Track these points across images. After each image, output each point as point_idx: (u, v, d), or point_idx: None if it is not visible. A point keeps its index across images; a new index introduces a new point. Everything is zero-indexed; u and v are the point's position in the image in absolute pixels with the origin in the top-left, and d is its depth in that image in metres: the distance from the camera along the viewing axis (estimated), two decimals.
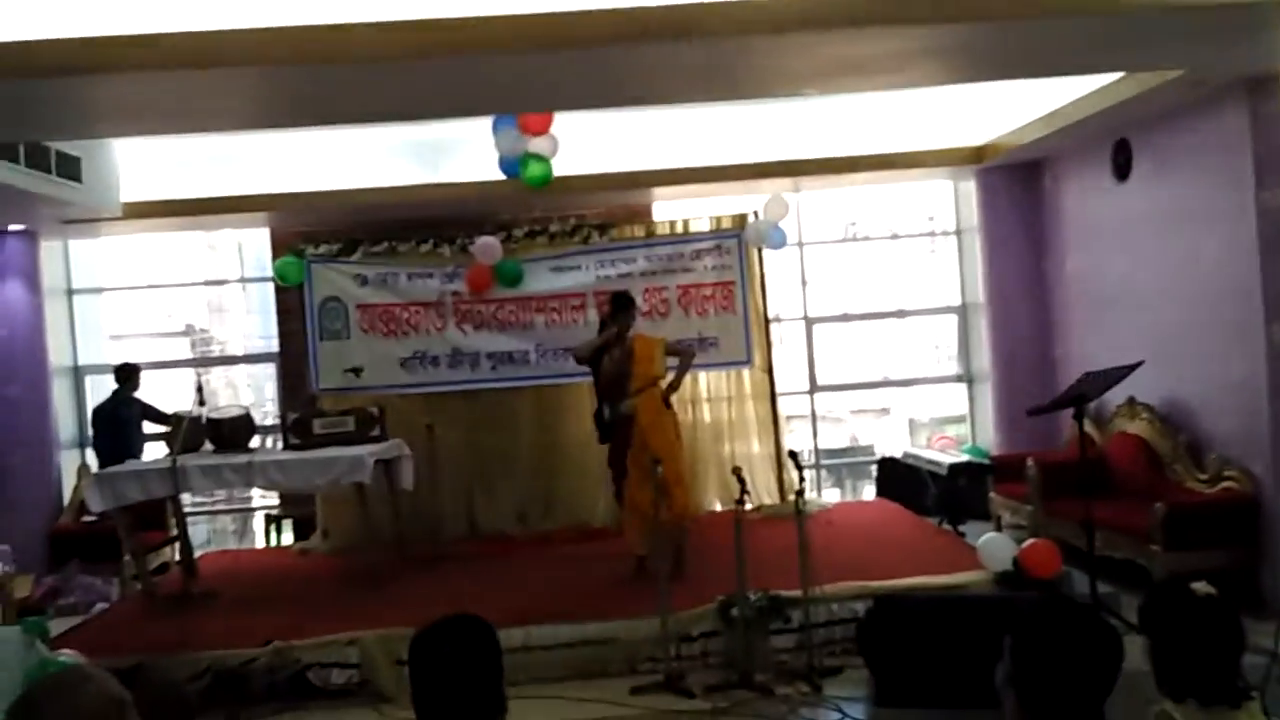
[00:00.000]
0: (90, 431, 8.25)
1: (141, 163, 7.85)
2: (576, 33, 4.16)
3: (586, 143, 7.65)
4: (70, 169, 6.94)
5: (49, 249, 8.45)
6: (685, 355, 6.64)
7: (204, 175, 7.91)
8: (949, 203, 9.27)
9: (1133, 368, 5.77)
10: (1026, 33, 4.49)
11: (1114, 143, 7.07)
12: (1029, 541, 5.70)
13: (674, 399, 6.49)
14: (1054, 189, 8.15)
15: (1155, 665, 2.34)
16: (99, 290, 9.23)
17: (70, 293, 8.88)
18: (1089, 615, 2.06)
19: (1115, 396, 6.72)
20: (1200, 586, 2.37)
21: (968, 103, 7.84)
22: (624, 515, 6.52)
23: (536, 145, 6.96)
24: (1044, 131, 7.05)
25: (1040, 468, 6.91)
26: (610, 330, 6.43)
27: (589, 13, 4.11)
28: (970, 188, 8.72)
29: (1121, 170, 7.07)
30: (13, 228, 7.94)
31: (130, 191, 7.81)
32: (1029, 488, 6.98)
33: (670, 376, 6.51)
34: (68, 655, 4.84)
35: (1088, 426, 5.89)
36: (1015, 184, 8.36)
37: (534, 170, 6.97)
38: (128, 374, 8.03)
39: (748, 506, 5.28)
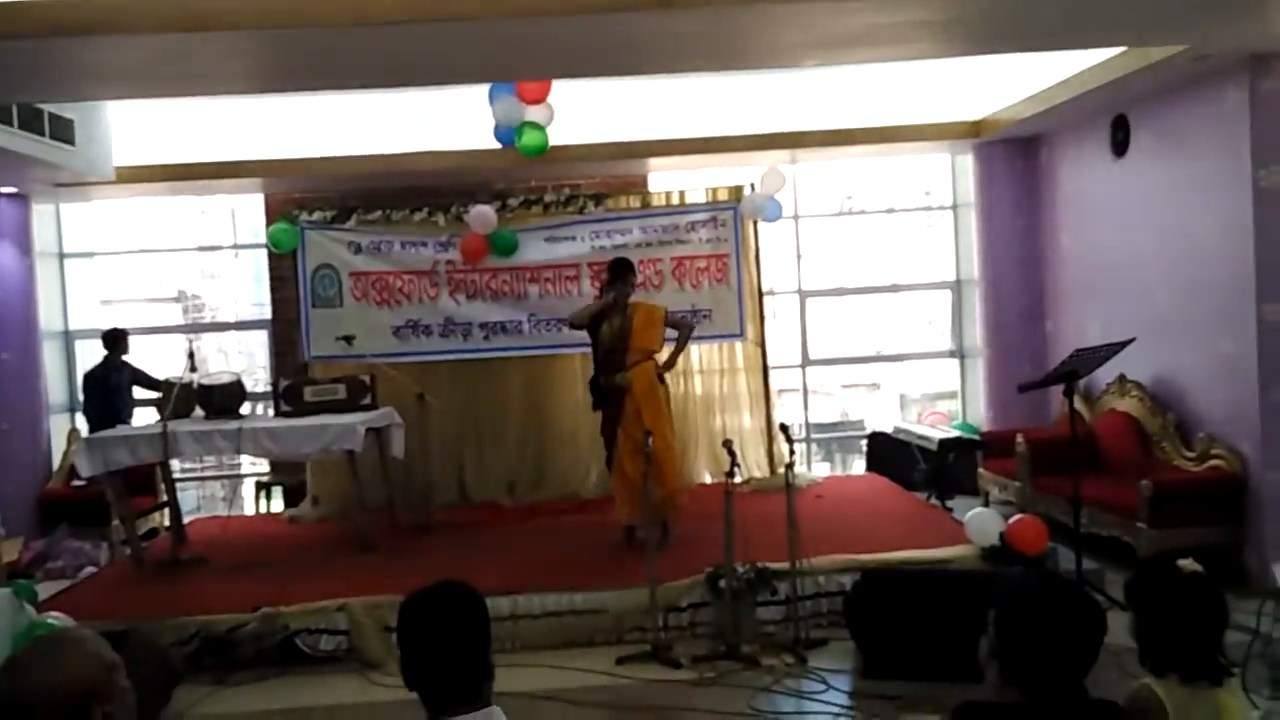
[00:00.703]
0: (80, 396, 8.23)
1: (135, 126, 7.79)
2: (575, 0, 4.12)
3: (583, 112, 7.60)
4: (63, 132, 6.89)
5: (40, 212, 8.40)
6: (684, 329, 6.57)
7: (198, 140, 7.86)
8: (946, 177, 9.24)
9: (1123, 345, 5.78)
10: (1028, 6, 4.46)
11: (1112, 119, 7.04)
12: (1016, 517, 5.73)
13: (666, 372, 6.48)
14: (1051, 164, 8.12)
15: (1139, 640, 2.35)
16: (90, 255, 9.19)
17: (61, 257, 8.84)
18: (1072, 590, 2.07)
19: (1106, 374, 6.74)
20: (1186, 564, 2.38)
21: (966, 76, 7.80)
22: (613, 485, 6.52)
23: (533, 114, 6.91)
24: (1042, 106, 7.02)
25: (1029, 444, 6.93)
26: (607, 297, 6.39)
27: None
28: (967, 162, 8.69)
29: (1119, 146, 7.04)
30: (4, 190, 7.89)
31: (123, 155, 7.76)
32: (1018, 464, 7.00)
33: (668, 350, 6.50)
34: (56, 618, 4.85)
35: (1078, 403, 5.90)
36: (1013, 159, 8.33)
37: (530, 138, 6.94)
38: (115, 338, 8.00)
39: (737, 479, 5.28)
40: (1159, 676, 2.27)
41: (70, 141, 7.00)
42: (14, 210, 8.06)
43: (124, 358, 8.02)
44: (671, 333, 6.52)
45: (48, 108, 6.65)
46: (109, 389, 7.85)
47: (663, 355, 6.47)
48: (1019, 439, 7.02)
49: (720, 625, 5.28)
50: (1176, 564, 2.40)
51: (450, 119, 7.78)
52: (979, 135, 8.08)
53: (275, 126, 7.85)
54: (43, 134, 6.65)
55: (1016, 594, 2.04)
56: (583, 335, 7.24)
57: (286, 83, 6.11)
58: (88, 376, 8.01)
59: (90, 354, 8.53)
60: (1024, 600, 2.02)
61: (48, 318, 8.45)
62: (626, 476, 6.20)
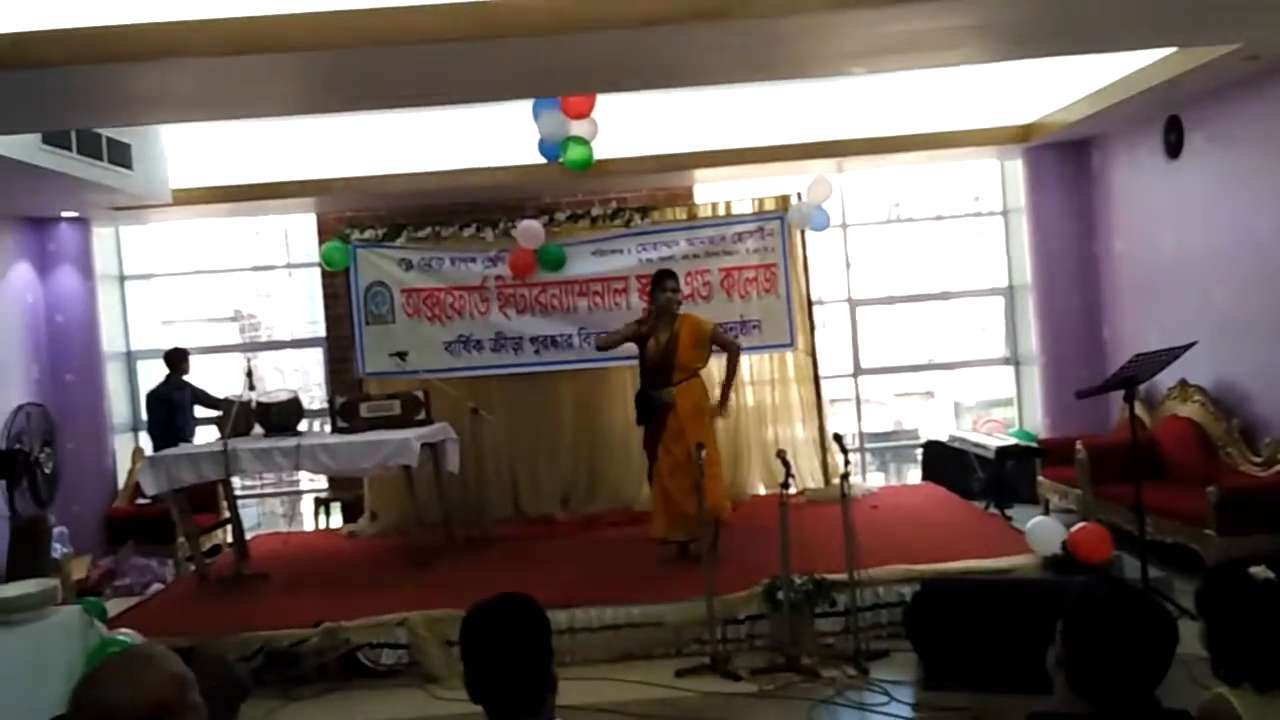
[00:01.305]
0: (143, 415, 8.40)
1: (190, 149, 7.96)
2: (621, 13, 4.14)
3: (627, 125, 7.63)
4: (121, 156, 7.05)
5: (100, 235, 8.60)
6: (733, 351, 6.42)
7: (251, 161, 8.01)
8: (995, 183, 9.15)
9: (1184, 349, 5.66)
10: (1079, 8, 4.41)
11: (1165, 120, 6.94)
12: (1079, 525, 5.63)
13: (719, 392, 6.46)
14: (1103, 167, 8.01)
15: (1211, 649, 2.31)
16: (149, 276, 9.38)
17: (122, 279, 9.05)
18: (1142, 598, 2.04)
19: (1166, 379, 6.61)
20: (1258, 571, 2.34)
21: (1015, 80, 7.73)
22: (651, 499, 6.50)
23: (578, 128, 6.95)
24: (1093, 109, 6.93)
25: (1090, 451, 6.82)
26: (631, 327, 6.43)
27: None
28: (1017, 167, 8.60)
29: (1173, 148, 6.93)
30: (65, 215, 8.09)
31: (179, 178, 7.92)
32: (1078, 471, 6.89)
33: (716, 365, 6.44)
34: (126, 634, 4.95)
35: (1138, 409, 5.80)
36: (1063, 163, 8.22)
37: (575, 154, 6.97)
38: (178, 359, 8.17)
39: (792, 490, 5.25)
40: (1233, 686, 2.23)
41: (128, 165, 7.16)
42: (75, 234, 8.27)
43: (185, 377, 8.18)
44: (720, 351, 6.48)
45: (105, 132, 6.81)
46: (172, 408, 8.01)
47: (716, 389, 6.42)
48: (1079, 446, 6.91)
49: (779, 637, 5.25)
50: (1248, 571, 2.36)
51: (496, 135, 7.85)
52: (1028, 139, 7.99)
53: (325, 146, 7.98)
54: (101, 158, 6.81)
55: (1085, 602, 2.01)
56: (633, 348, 7.26)
57: (334, 103, 6.20)
58: (151, 396, 8.18)
59: (152, 374, 8.71)
60: (1093, 609, 1.99)
61: (110, 339, 8.65)
62: (666, 492, 6.19)
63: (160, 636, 4.95)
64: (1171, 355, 5.69)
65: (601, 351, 6.79)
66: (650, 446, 6.37)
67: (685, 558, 6.19)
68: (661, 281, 6.30)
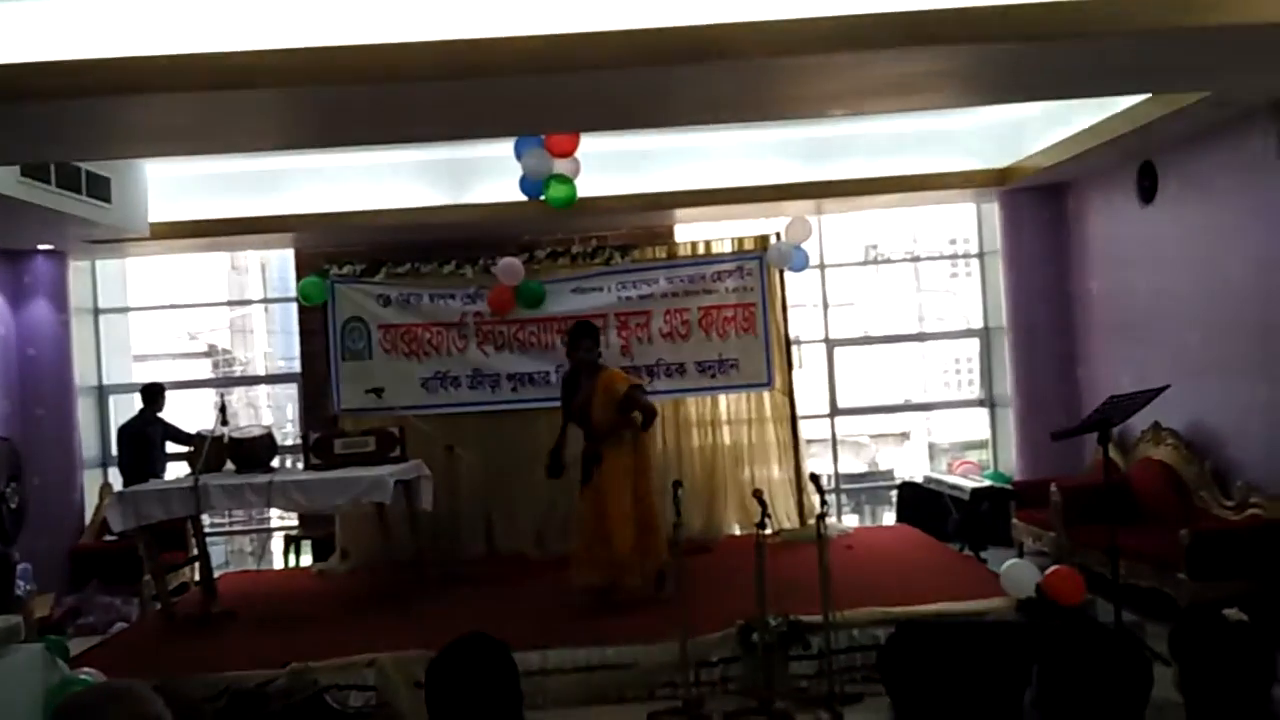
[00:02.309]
0: (114, 450, 8.29)
1: (168, 183, 7.93)
2: (603, 54, 4.16)
3: (608, 164, 7.67)
4: (100, 189, 7.02)
5: (76, 269, 8.53)
6: (643, 410, 6.30)
7: (229, 196, 7.98)
8: (972, 225, 9.23)
9: (1157, 392, 5.70)
10: (1054, 54, 4.47)
11: (1139, 165, 7.03)
12: (1052, 568, 5.63)
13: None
14: (1078, 211, 8.10)
15: (1185, 694, 2.29)
16: (124, 310, 9.31)
17: (96, 312, 8.97)
18: (1118, 641, 2.03)
19: (1140, 422, 6.65)
20: (1232, 613, 2.33)
21: (991, 125, 7.83)
22: (572, 549, 6.54)
23: (561, 166, 6.98)
24: (1068, 154, 7.02)
25: (1064, 493, 6.84)
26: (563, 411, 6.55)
27: (615, 33, 4.11)
28: (993, 210, 8.69)
29: (1146, 193, 7.02)
30: (42, 247, 8.03)
31: (157, 212, 7.88)
32: (1052, 513, 6.90)
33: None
34: (88, 674, 4.85)
35: (1112, 452, 5.82)
36: (1039, 206, 8.32)
37: (558, 191, 6.99)
38: (154, 393, 8.08)
39: (768, 530, 5.23)
40: None
41: (107, 199, 7.12)
42: (50, 267, 8.20)
43: (159, 413, 8.09)
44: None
45: (85, 166, 6.78)
46: (144, 443, 7.92)
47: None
48: (1053, 488, 6.92)
49: (753, 680, 5.20)
50: (1221, 613, 2.35)
51: (478, 172, 7.88)
52: (1004, 183, 8.08)
53: (305, 181, 7.98)
54: (80, 192, 6.77)
55: (1061, 644, 1.99)
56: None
57: (314, 139, 6.22)
58: (123, 430, 8.08)
59: (123, 408, 8.61)
60: (1068, 651, 1.98)
61: (82, 373, 8.55)
62: (584, 537, 6.32)
63: (123, 677, 4.85)
64: (1145, 398, 5.72)
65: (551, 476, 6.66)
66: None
67: (608, 601, 6.21)
68: (577, 339, 6.35)
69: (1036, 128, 7.39)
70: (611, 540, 6.14)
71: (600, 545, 6.17)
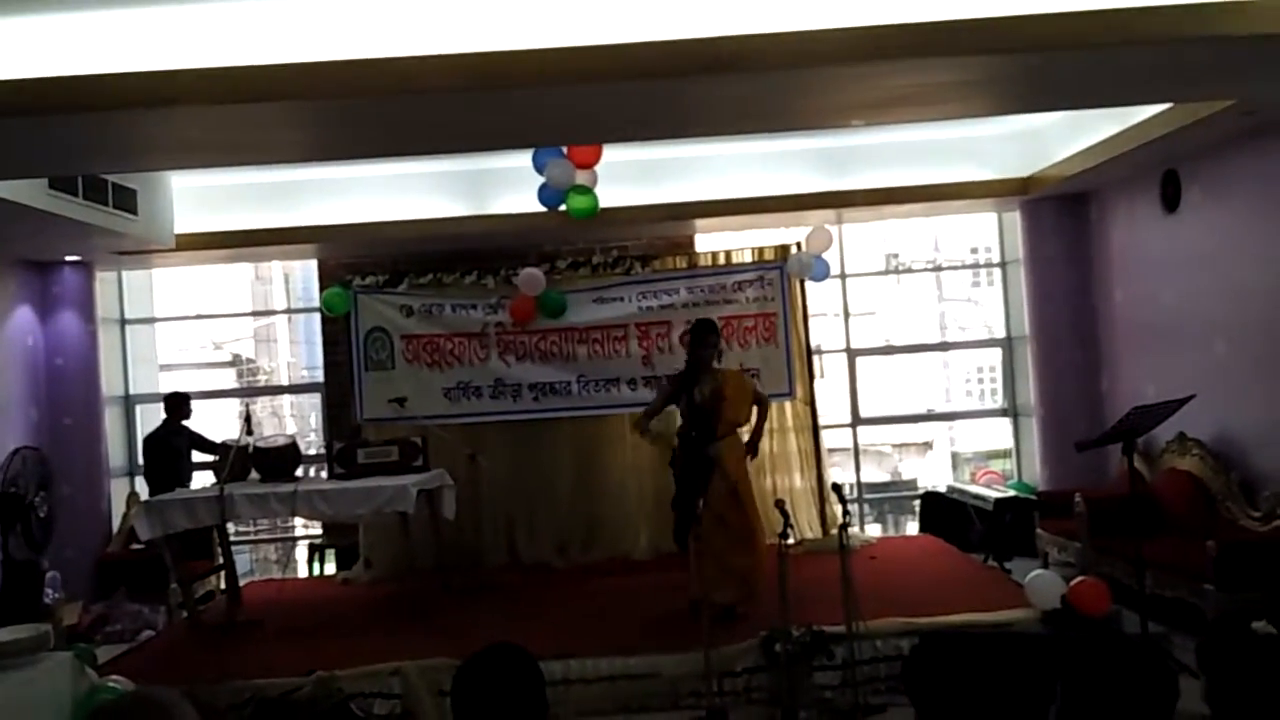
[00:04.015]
0: (140, 460, 8.36)
1: (193, 194, 8.01)
2: (626, 66, 4.18)
3: (628, 174, 7.70)
4: (126, 201, 7.10)
5: (103, 279, 8.62)
6: (764, 405, 6.46)
7: (254, 207, 8.05)
8: (994, 234, 9.20)
9: (1182, 402, 5.66)
10: (1076, 63, 4.47)
11: (1162, 174, 7.00)
12: (1078, 579, 5.60)
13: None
14: (1101, 220, 8.07)
15: (1212, 705, 2.29)
16: (150, 320, 9.40)
17: (123, 322, 9.06)
18: (1143, 653, 2.02)
19: (1165, 432, 6.60)
20: (1260, 626, 2.32)
21: (1013, 134, 7.81)
22: (692, 560, 5.74)
23: (583, 178, 7.02)
24: (1091, 163, 6.99)
25: (1088, 504, 6.79)
26: (664, 392, 6.33)
27: (639, 45, 4.14)
28: (1015, 219, 8.65)
29: (1170, 202, 6.99)
30: (69, 259, 8.12)
31: (183, 223, 7.97)
32: (1077, 524, 6.86)
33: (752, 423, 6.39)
34: (116, 682, 4.89)
35: (1137, 462, 5.79)
36: (1062, 216, 8.28)
37: (581, 202, 7.02)
38: (178, 403, 8.15)
39: (790, 540, 5.22)
40: None
41: (133, 211, 7.20)
42: (77, 278, 8.29)
43: (184, 422, 8.16)
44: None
45: (111, 178, 6.86)
46: (170, 452, 7.98)
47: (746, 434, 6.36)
48: (1078, 499, 6.88)
49: (776, 691, 5.19)
50: (1250, 626, 2.34)
51: (499, 183, 7.92)
52: (1026, 192, 8.06)
53: (328, 193, 8.04)
54: (106, 204, 6.85)
55: (1087, 656, 1.99)
56: (632, 395, 7.25)
57: (338, 151, 6.27)
58: (149, 440, 8.15)
59: (150, 418, 8.69)
60: (1093, 665, 1.97)
61: (109, 383, 8.63)
62: (713, 551, 5.77)
63: (151, 684, 4.89)
64: (1170, 408, 5.68)
65: (642, 434, 6.47)
66: (683, 505, 6.03)
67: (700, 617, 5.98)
68: (703, 335, 6.18)
69: (1058, 137, 7.37)
70: (752, 546, 5.94)
71: (737, 554, 5.88)
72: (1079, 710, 1.96)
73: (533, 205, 7.35)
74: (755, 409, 6.38)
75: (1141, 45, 4.20)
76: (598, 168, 7.12)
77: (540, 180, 7.09)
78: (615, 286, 8.18)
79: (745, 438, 6.36)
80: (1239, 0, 4.09)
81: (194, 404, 8.31)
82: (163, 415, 8.21)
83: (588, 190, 7.08)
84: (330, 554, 8.61)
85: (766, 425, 8.24)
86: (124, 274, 9.01)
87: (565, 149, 6.90)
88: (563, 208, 7.19)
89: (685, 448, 6.16)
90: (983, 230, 9.32)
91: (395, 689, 5.31)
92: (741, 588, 5.91)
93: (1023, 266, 8.56)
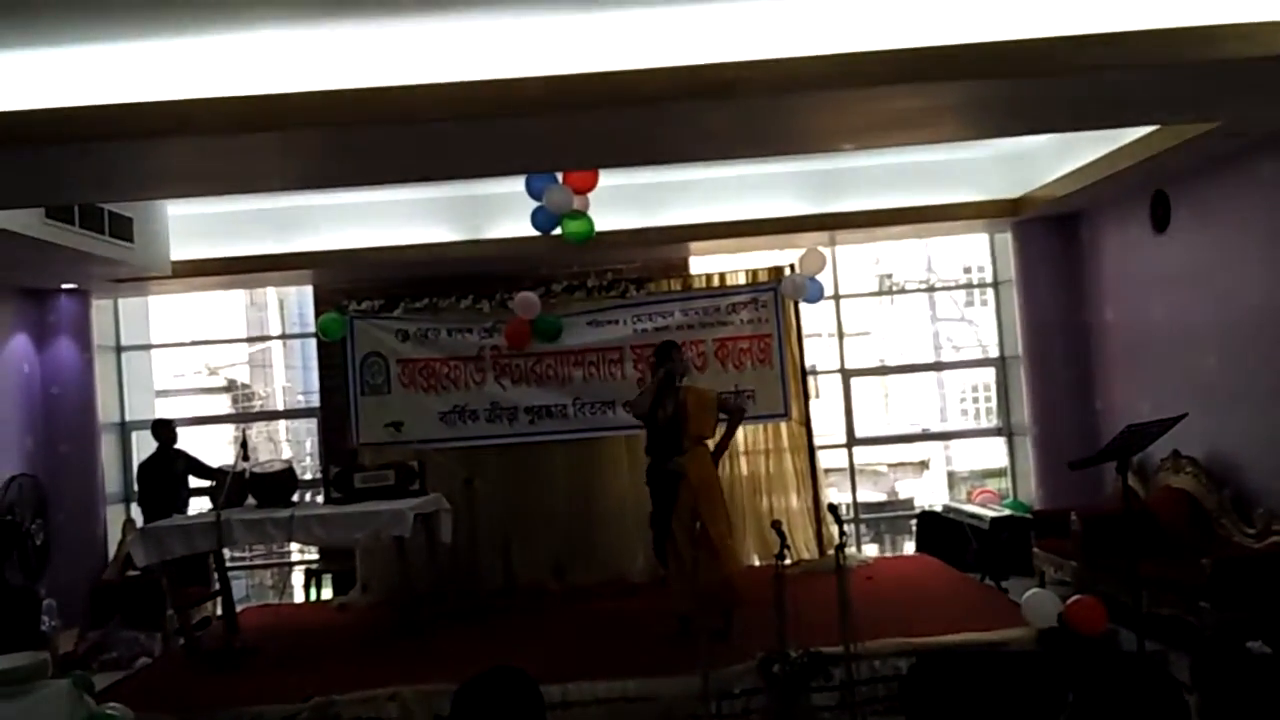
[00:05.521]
0: (136, 486, 8.36)
1: (189, 222, 8.04)
2: (618, 93, 4.24)
3: (622, 199, 7.75)
4: (123, 229, 7.13)
5: (99, 307, 8.64)
6: (736, 413, 6.54)
7: (250, 234, 8.09)
8: (986, 254, 9.26)
9: (1175, 420, 5.68)
10: (1063, 87, 4.53)
11: (1151, 194, 7.06)
12: (1075, 598, 5.61)
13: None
14: (1092, 240, 8.13)
15: None
16: (146, 347, 9.41)
17: (119, 349, 9.07)
18: (1149, 668, 2.04)
19: (1159, 450, 6.63)
20: (1256, 646, 2.34)
21: (1003, 156, 7.87)
22: (670, 574, 6.31)
23: (579, 202, 7.06)
24: (1081, 184, 7.06)
25: (1084, 522, 6.81)
26: (658, 374, 6.39)
27: (630, 73, 4.20)
28: (1007, 239, 8.71)
29: (1160, 222, 7.05)
30: (65, 286, 8.14)
31: (179, 250, 8.00)
32: (1072, 542, 6.88)
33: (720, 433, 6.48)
34: (114, 709, 4.88)
35: (1131, 480, 5.82)
36: (1053, 236, 8.35)
37: (577, 226, 7.06)
38: (160, 429, 8.15)
39: (787, 561, 5.23)
40: None
41: (129, 239, 7.23)
42: (74, 306, 8.31)
43: (176, 446, 8.16)
44: (724, 415, 6.51)
45: (107, 207, 6.89)
46: (165, 478, 7.98)
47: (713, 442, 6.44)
48: (1073, 517, 6.90)
49: (775, 712, 5.19)
50: (1246, 645, 2.36)
51: (493, 209, 7.97)
52: (1018, 213, 8.12)
53: (324, 219, 8.09)
54: (103, 232, 6.89)
55: (1092, 672, 2.01)
56: (627, 418, 7.24)
57: (336, 179, 6.32)
58: (144, 466, 8.15)
59: (146, 444, 8.69)
60: (1104, 681, 1.99)
61: (105, 409, 8.64)
62: (687, 566, 6.01)
63: (147, 712, 4.89)
64: (1163, 427, 5.70)
65: (639, 418, 6.50)
66: (658, 523, 6.30)
67: (689, 635, 6.06)
68: (666, 356, 6.33)
69: (1048, 158, 7.44)
70: (723, 560, 6.02)
71: (708, 569, 5.92)
72: None
73: (527, 230, 7.39)
74: (726, 419, 6.43)
75: (1127, 69, 4.27)
76: (592, 193, 7.16)
77: (534, 205, 7.13)
78: (610, 310, 8.21)
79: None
80: (1220, 25, 4.16)
81: (190, 430, 8.30)
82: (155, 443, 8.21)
83: (583, 215, 7.12)
84: (327, 579, 8.59)
85: (763, 446, 8.38)
86: (120, 301, 9.03)
87: (560, 175, 6.95)
88: (557, 232, 7.23)
89: (653, 464, 6.31)
90: (975, 250, 9.38)
91: (393, 714, 5.30)
92: (719, 603, 5.95)
93: (1015, 286, 8.62)
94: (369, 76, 4.24)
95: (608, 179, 7.26)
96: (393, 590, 7.56)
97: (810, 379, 8.58)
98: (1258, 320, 6.04)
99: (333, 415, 8.68)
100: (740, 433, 8.20)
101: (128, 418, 9.06)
